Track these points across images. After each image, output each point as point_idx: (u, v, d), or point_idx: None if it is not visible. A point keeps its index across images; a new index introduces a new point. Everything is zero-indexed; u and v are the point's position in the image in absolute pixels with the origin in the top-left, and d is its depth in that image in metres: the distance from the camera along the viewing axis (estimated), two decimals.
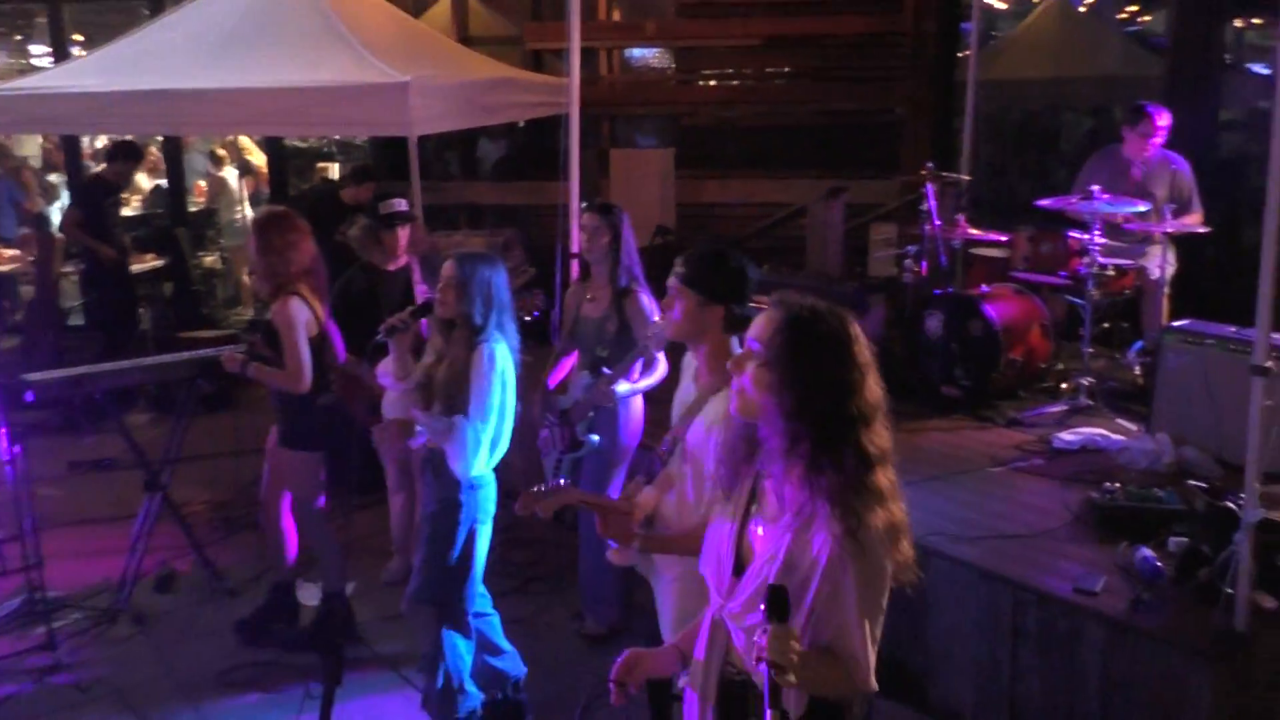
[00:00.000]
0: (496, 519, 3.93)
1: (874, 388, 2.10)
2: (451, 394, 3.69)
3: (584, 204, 4.60)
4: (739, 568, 2.19)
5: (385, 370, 3.98)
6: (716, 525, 2.29)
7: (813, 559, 2.03)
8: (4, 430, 4.68)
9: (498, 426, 3.70)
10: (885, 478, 2.08)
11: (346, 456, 5.89)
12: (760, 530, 2.18)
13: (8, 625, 4.86)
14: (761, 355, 2.10)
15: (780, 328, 2.10)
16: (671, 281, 3.02)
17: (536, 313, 4.79)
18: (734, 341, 3.00)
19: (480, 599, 4.00)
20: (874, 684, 2.08)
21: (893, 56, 9.00)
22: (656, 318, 3.97)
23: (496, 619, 4.12)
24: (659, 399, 5.94)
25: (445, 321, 3.77)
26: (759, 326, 2.14)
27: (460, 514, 3.76)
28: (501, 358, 3.66)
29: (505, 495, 4.98)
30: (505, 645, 4.12)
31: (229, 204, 10.73)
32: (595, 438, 4.42)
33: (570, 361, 4.71)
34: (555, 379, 4.72)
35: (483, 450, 3.66)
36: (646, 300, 4.36)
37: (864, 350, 2.11)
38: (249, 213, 10.40)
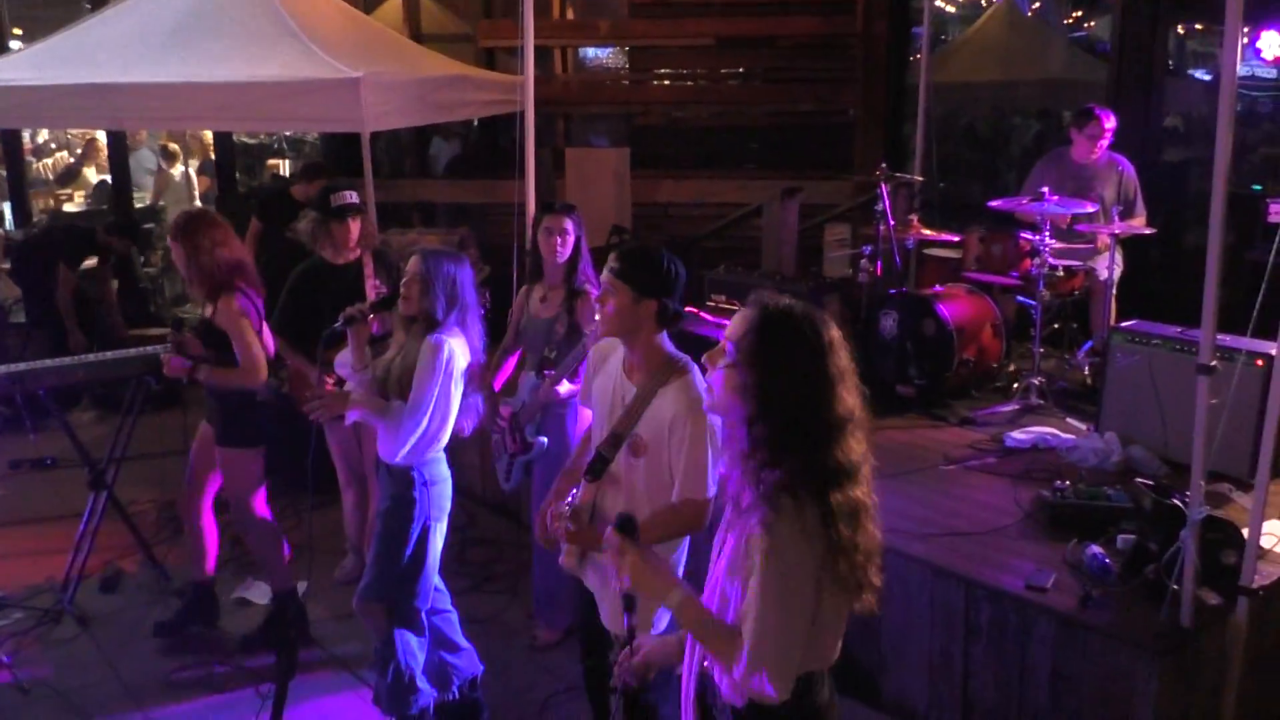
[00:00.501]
0: (453, 517, 3.90)
1: (845, 399, 2.06)
2: (405, 386, 3.68)
3: (553, 206, 4.49)
4: None
5: (343, 361, 3.94)
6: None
7: (744, 552, 2.05)
8: None
9: (435, 419, 3.66)
10: (844, 495, 2.05)
11: (300, 454, 5.80)
12: (726, 530, 2.20)
13: None
14: (731, 356, 2.09)
15: (751, 329, 2.08)
16: (605, 276, 3.02)
17: (483, 309, 4.77)
18: (663, 337, 3.02)
19: (438, 596, 3.97)
20: (766, 684, 2.01)
21: (844, 58, 9.07)
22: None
23: (454, 616, 4.09)
24: None
25: (408, 317, 3.74)
26: (733, 325, 2.12)
27: (413, 510, 3.73)
28: (450, 351, 3.63)
29: (462, 494, 4.94)
30: (462, 642, 4.09)
31: (176, 200, 10.57)
32: (544, 440, 4.41)
33: (513, 362, 4.69)
34: (499, 381, 4.69)
35: (412, 439, 3.64)
36: None
37: (839, 358, 2.07)
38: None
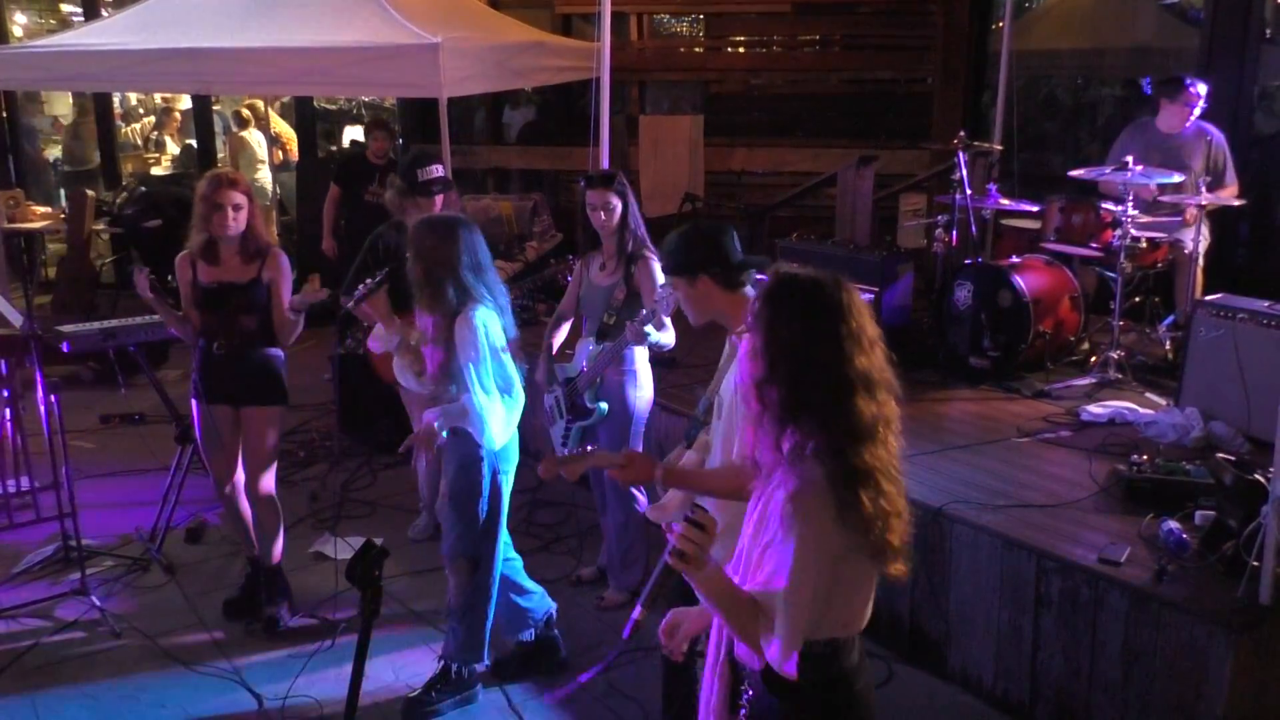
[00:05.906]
0: (521, 479, 3.96)
1: (859, 359, 2.05)
2: (445, 361, 3.71)
3: (592, 179, 4.46)
4: None
5: (376, 339, 3.94)
6: None
7: (772, 518, 2.07)
8: (40, 380, 4.74)
9: (502, 388, 3.70)
10: (859, 457, 2.03)
11: (375, 413, 5.92)
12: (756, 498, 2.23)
13: (43, 571, 4.97)
14: (750, 324, 2.12)
15: (761, 295, 2.11)
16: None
17: (570, 276, 4.81)
18: (748, 290, 2.99)
19: (503, 545, 4.05)
20: (779, 657, 2.03)
21: (924, 25, 8.92)
22: (663, 280, 4.00)
23: (519, 561, 4.17)
24: (682, 366, 5.94)
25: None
26: (755, 297, 2.16)
27: (482, 468, 3.80)
28: (481, 320, 3.64)
29: (530, 456, 4.99)
30: (531, 585, 4.17)
31: (249, 163, 10.73)
32: (604, 406, 4.42)
33: (565, 328, 4.73)
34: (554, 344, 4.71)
35: (495, 418, 3.67)
36: (657, 266, 4.33)
37: (857, 320, 2.06)
38: (267, 174, 10.41)
